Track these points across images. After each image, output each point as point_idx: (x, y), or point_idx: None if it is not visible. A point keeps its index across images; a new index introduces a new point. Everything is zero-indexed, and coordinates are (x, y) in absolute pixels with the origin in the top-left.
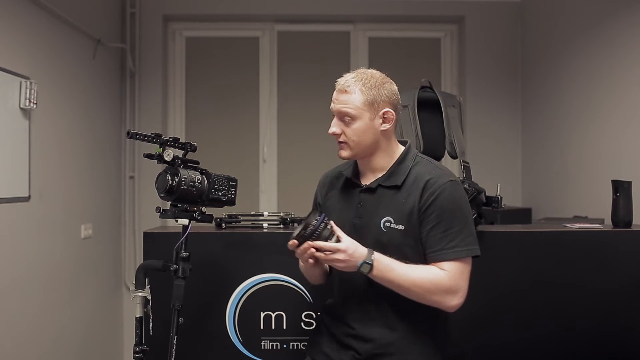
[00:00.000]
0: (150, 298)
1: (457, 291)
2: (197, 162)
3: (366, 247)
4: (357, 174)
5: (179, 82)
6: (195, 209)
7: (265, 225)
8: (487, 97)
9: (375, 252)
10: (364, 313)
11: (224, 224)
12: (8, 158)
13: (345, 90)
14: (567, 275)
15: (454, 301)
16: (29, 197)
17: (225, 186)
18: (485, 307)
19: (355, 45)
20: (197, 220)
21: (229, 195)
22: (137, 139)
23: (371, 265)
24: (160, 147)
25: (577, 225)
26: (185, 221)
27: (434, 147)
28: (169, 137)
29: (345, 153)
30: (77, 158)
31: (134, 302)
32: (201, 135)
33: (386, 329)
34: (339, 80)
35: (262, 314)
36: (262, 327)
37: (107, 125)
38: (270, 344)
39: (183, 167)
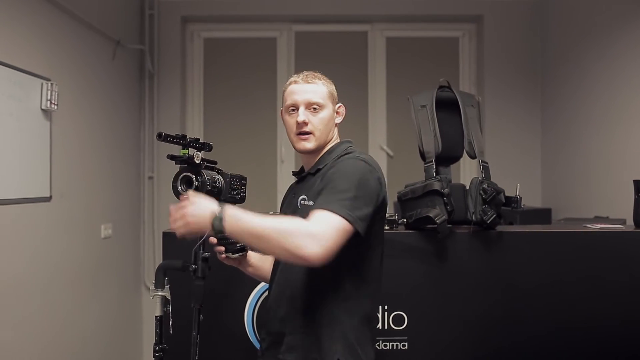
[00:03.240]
0: (169, 297)
1: (316, 235)
2: (215, 162)
3: None
4: (303, 170)
5: (197, 82)
6: None
7: None
8: (506, 96)
9: (228, 205)
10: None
11: None
12: (30, 159)
13: (313, 82)
14: (588, 276)
15: (313, 246)
16: (50, 197)
17: (238, 185)
18: (504, 307)
19: (372, 45)
20: None
21: (242, 194)
22: (168, 141)
23: (220, 216)
24: (184, 149)
25: (598, 226)
26: None
27: (453, 147)
28: (190, 138)
29: (310, 144)
30: (97, 158)
31: (153, 301)
32: (219, 135)
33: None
34: (294, 76)
35: None
36: None
37: (127, 125)
38: None
39: (204, 168)
